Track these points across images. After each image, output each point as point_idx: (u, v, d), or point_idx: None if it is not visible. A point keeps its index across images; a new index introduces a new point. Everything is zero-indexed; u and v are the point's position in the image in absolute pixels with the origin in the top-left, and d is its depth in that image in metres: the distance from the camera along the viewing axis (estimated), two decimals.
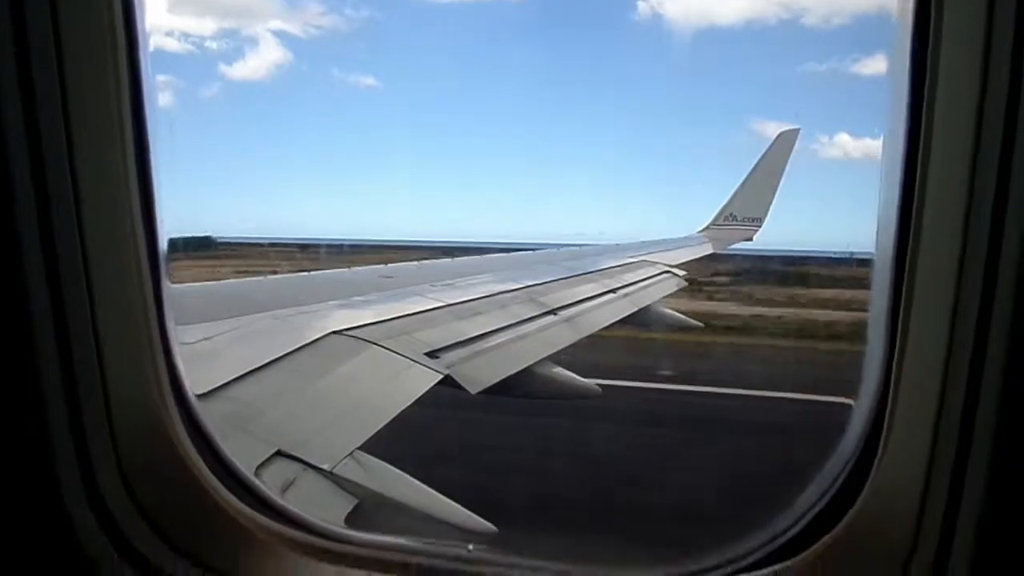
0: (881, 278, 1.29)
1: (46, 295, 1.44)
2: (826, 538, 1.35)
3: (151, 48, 1.48)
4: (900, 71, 1.21)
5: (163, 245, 1.56)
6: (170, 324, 1.59)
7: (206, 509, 1.62)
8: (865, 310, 1.42)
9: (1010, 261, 1.10)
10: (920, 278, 1.20)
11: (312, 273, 9.29)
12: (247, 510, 1.65)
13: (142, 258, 1.50)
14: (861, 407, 1.36)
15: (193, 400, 1.68)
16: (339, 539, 1.66)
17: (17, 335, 1.43)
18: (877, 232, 1.32)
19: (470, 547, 1.62)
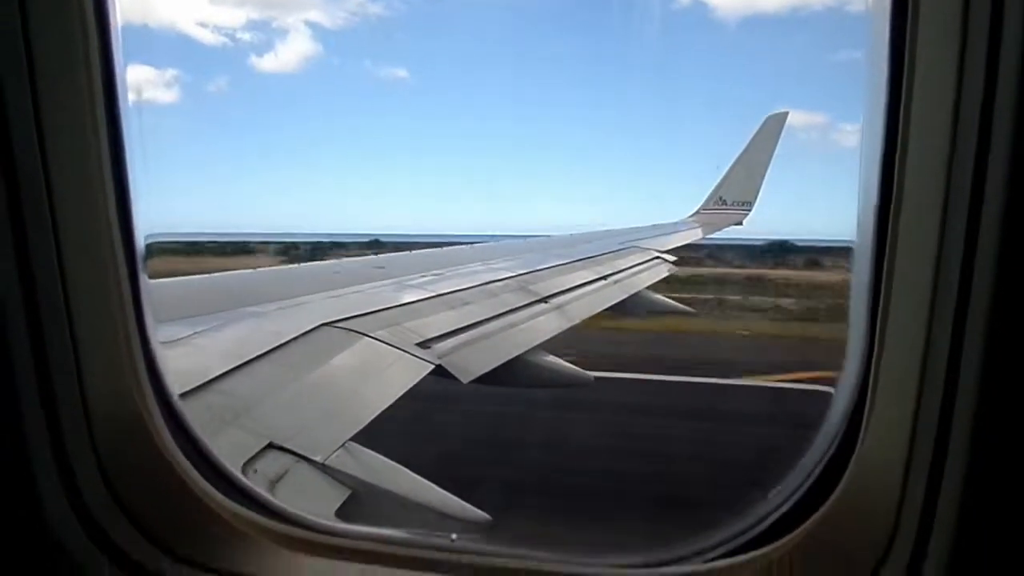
0: (861, 267, 1.30)
1: (19, 292, 1.42)
2: (805, 525, 1.37)
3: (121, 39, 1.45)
4: (878, 60, 1.22)
5: (140, 240, 1.54)
6: (149, 319, 1.58)
7: (188, 504, 1.61)
8: None
9: (987, 250, 1.10)
10: (899, 267, 1.21)
11: (304, 265, 9.28)
12: (231, 504, 1.64)
13: (118, 253, 1.49)
14: (841, 395, 1.37)
15: (174, 396, 1.67)
16: (323, 531, 1.67)
17: None
18: (857, 222, 1.33)
19: (453, 536, 1.63)
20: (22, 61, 1.36)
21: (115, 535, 1.57)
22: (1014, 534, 1.16)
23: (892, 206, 1.20)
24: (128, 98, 1.48)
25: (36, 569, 1.54)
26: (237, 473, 1.81)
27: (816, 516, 1.35)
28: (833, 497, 1.33)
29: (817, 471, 1.40)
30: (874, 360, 1.25)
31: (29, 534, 1.51)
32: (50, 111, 1.40)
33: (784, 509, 1.43)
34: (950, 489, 1.19)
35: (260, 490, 1.80)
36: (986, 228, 1.10)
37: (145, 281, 1.57)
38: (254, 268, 7.62)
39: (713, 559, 1.46)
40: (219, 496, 1.64)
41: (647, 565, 1.51)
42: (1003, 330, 1.11)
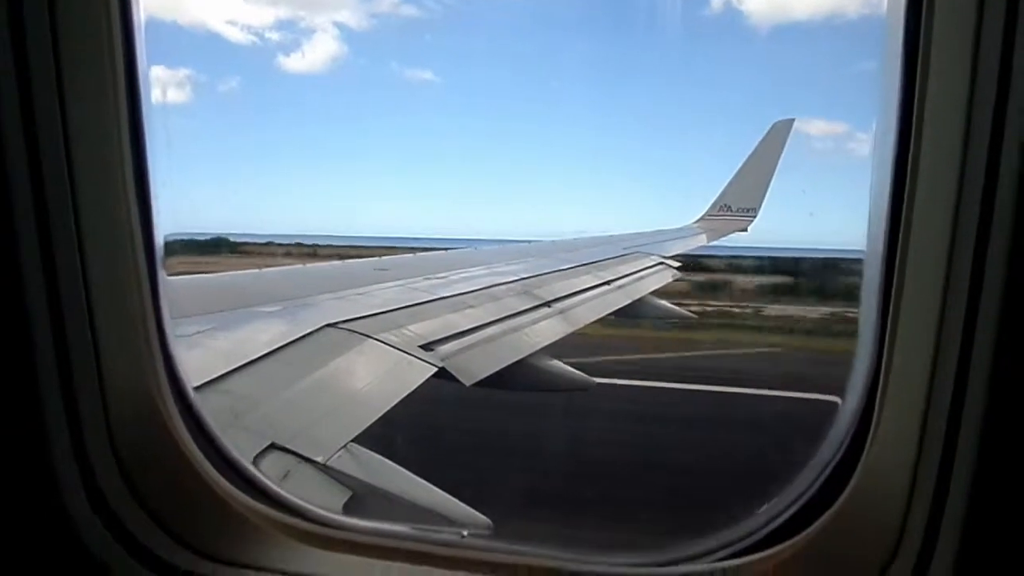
0: (871, 274, 1.30)
1: (42, 288, 1.44)
2: (812, 528, 1.37)
3: (144, 38, 1.48)
4: (891, 70, 1.22)
5: (159, 237, 1.57)
6: (166, 316, 1.60)
7: (205, 498, 1.63)
8: None
9: (997, 260, 1.10)
10: (909, 276, 1.21)
11: (308, 266, 9.30)
12: (246, 499, 1.66)
13: (138, 250, 1.51)
14: (849, 402, 1.38)
15: (191, 391, 1.69)
16: (337, 526, 1.68)
17: (13, 329, 1.43)
18: (868, 230, 1.33)
19: (464, 534, 1.64)
20: (49, 61, 1.38)
21: (134, 530, 1.59)
22: (1020, 540, 1.16)
23: (903, 215, 1.20)
24: (151, 97, 1.50)
25: (55, 560, 1.55)
26: (252, 468, 1.83)
27: (824, 518, 1.36)
28: (841, 500, 1.33)
29: (825, 474, 1.40)
30: (883, 365, 1.26)
31: (50, 530, 1.53)
32: (75, 110, 1.42)
33: (792, 511, 1.44)
34: (957, 495, 1.19)
35: (275, 486, 1.81)
36: (996, 237, 1.11)
37: (164, 278, 1.59)
38: (262, 268, 7.63)
39: (721, 559, 1.47)
40: (235, 491, 1.66)
41: (656, 564, 1.52)
42: (1012, 339, 1.11)
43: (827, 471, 1.40)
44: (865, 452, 1.30)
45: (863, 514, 1.32)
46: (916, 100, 1.16)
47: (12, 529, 1.52)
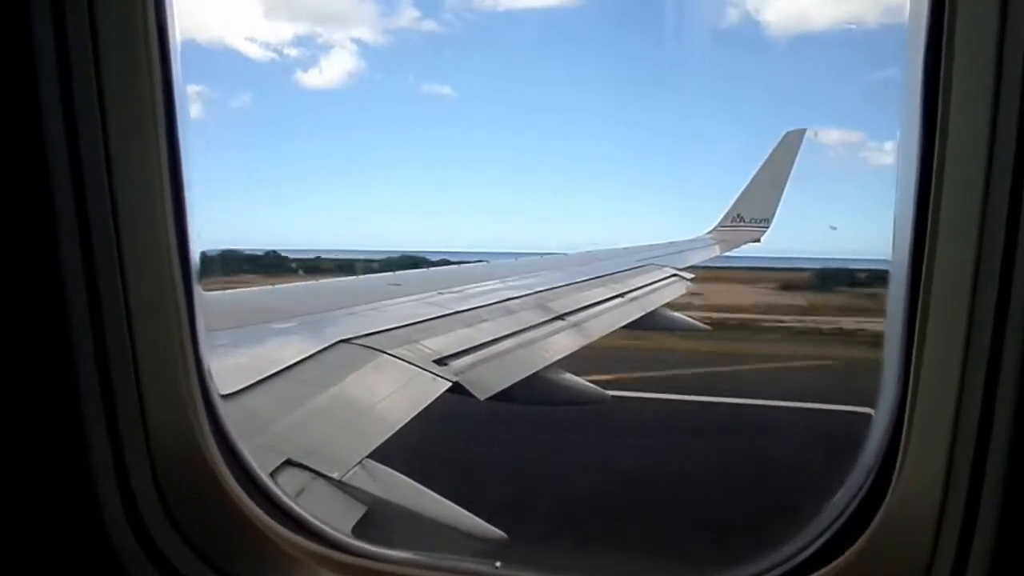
0: (897, 288, 1.28)
1: (86, 314, 1.44)
2: (841, 558, 1.35)
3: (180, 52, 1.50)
4: (913, 78, 1.21)
5: (196, 256, 1.57)
6: (202, 338, 1.60)
7: (240, 526, 1.64)
8: None
9: None
10: (936, 288, 1.19)
11: (321, 281, 9.33)
12: (281, 529, 1.67)
13: (176, 270, 1.51)
14: (878, 426, 1.35)
15: (225, 418, 1.70)
16: (371, 556, 1.68)
17: (57, 358, 1.43)
18: (893, 242, 1.31)
19: (497, 564, 1.62)
20: (91, 73, 1.40)
21: (176, 562, 1.59)
22: None
23: (928, 225, 1.18)
24: (187, 113, 1.51)
25: None
26: (290, 500, 1.83)
27: (852, 549, 1.33)
28: (869, 530, 1.31)
29: (854, 504, 1.38)
30: (910, 390, 1.23)
31: (94, 562, 1.53)
32: (116, 128, 1.43)
33: (821, 542, 1.41)
34: (986, 520, 1.16)
35: (309, 515, 1.81)
36: (1022, 246, 1.08)
37: (201, 298, 1.59)
38: (281, 283, 7.66)
39: None
40: (267, 519, 1.67)
41: None
42: None
43: (856, 499, 1.38)
44: (893, 481, 1.28)
45: (892, 545, 1.29)
46: (940, 112, 1.15)
47: (57, 562, 1.52)
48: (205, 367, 1.62)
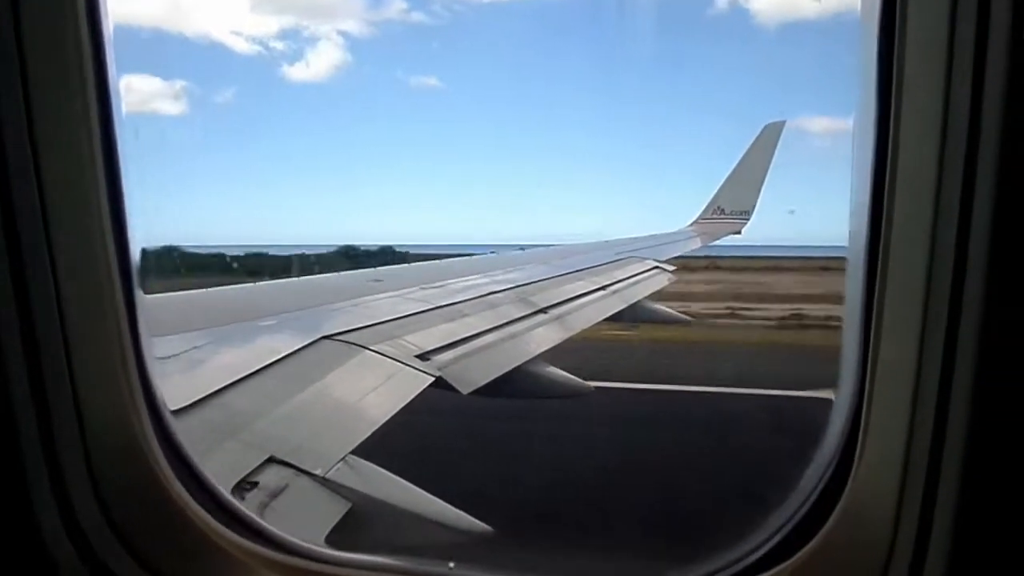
0: (854, 279, 1.28)
1: (14, 312, 1.40)
2: (801, 553, 1.35)
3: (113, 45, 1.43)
4: (868, 67, 1.22)
5: (135, 256, 1.52)
6: (144, 337, 1.56)
7: (184, 530, 1.59)
8: None
9: (977, 261, 1.10)
10: (891, 278, 1.20)
11: (302, 278, 9.27)
12: (226, 531, 1.63)
13: (113, 270, 1.47)
14: (836, 416, 1.35)
15: (169, 418, 1.65)
16: (319, 559, 1.65)
17: None
18: (849, 232, 1.32)
19: (451, 564, 1.61)
20: (15, 75, 1.35)
21: (111, 562, 1.55)
22: (1008, 559, 1.15)
23: (884, 215, 1.19)
24: (122, 109, 1.46)
25: None
26: (233, 499, 1.80)
27: (812, 543, 1.34)
28: (828, 524, 1.32)
29: (812, 498, 1.38)
30: (867, 378, 1.24)
31: (25, 561, 1.49)
32: (44, 123, 1.38)
33: (780, 536, 1.41)
34: (943, 515, 1.18)
35: (254, 515, 1.78)
36: (975, 233, 1.10)
37: (141, 298, 1.54)
38: (259, 281, 7.61)
39: None
40: (215, 523, 1.62)
41: None
42: (995, 346, 1.10)
43: (814, 495, 1.38)
44: (852, 473, 1.28)
45: (851, 538, 1.30)
46: (892, 102, 1.16)
47: None
48: (148, 366, 1.56)
